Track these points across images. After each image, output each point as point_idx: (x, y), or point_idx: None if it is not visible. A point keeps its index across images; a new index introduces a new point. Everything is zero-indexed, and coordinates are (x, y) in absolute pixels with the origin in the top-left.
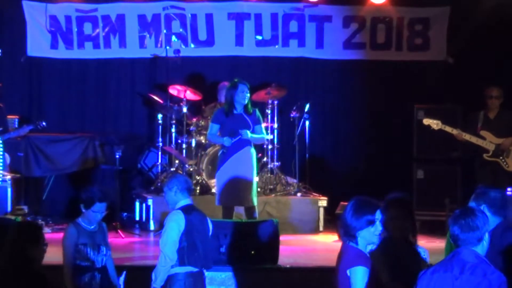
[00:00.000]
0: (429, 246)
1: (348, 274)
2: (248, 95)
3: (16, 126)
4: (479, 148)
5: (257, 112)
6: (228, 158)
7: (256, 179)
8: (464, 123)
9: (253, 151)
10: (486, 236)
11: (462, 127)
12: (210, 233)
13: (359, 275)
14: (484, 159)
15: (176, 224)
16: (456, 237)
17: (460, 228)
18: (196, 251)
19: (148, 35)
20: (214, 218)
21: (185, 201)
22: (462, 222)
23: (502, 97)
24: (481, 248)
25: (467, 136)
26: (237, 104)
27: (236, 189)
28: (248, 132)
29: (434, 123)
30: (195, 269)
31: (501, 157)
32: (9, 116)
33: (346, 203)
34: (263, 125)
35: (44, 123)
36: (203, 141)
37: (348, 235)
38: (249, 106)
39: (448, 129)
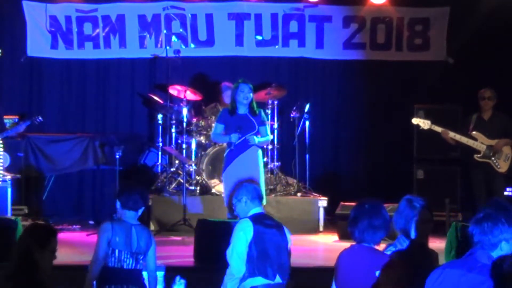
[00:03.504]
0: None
1: (377, 275)
2: (250, 95)
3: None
4: (470, 149)
5: (262, 113)
6: (234, 158)
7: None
8: (460, 124)
9: (259, 151)
10: (503, 244)
11: (457, 128)
12: (289, 243)
13: None
14: (475, 159)
15: (242, 233)
16: (471, 237)
17: (477, 229)
18: (267, 261)
19: (148, 35)
20: (214, 219)
21: (255, 209)
22: (480, 225)
23: (496, 98)
24: (496, 254)
25: (457, 137)
26: (239, 104)
27: None
28: (255, 138)
29: (423, 123)
30: (269, 281)
31: (493, 158)
32: (9, 116)
33: (346, 203)
34: (268, 124)
35: (40, 118)
36: (203, 141)
37: (377, 236)
38: (255, 107)
39: (437, 129)
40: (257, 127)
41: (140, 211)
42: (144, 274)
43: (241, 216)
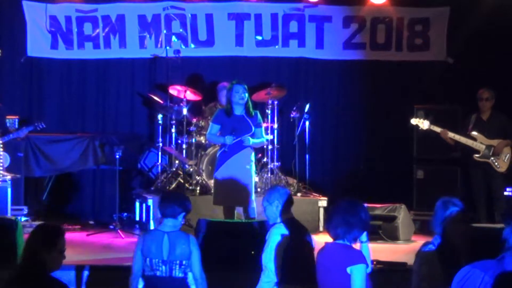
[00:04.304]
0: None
1: (349, 272)
2: (245, 95)
3: (16, 126)
4: (469, 149)
5: (259, 115)
6: (227, 159)
7: (256, 179)
8: (460, 124)
9: (252, 153)
10: None
11: (457, 128)
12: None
13: (362, 272)
14: (474, 159)
15: (280, 238)
16: (504, 241)
17: (510, 234)
18: (299, 268)
19: (148, 35)
20: (214, 219)
21: (286, 214)
22: None
23: (494, 98)
24: None
25: (456, 137)
26: (235, 105)
27: (234, 190)
28: (250, 139)
29: (422, 123)
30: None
31: (492, 158)
32: (9, 116)
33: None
34: (263, 126)
35: (43, 125)
36: (203, 141)
37: (351, 234)
38: (251, 108)
39: (436, 129)
40: (253, 128)
41: (180, 218)
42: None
43: (271, 220)
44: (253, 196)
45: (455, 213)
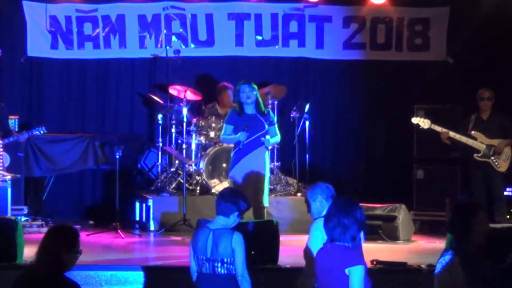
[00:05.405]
0: (429, 246)
1: (347, 273)
2: (253, 94)
3: (16, 126)
4: (470, 148)
5: (271, 113)
6: (241, 158)
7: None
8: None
9: (266, 152)
10: None
11: (457, 128)
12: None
13: (360, 274)
14: (475, 159)
15: (319, 233)
16: None
17: None
18: None
19: (148, 35)
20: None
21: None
22: None
23: (494, 98)
24: None
25: (457, 136)
26: (245, 105)
27: (248, 189)
28: (270, 140)
29: (423, 122)
30: None
31: (492, 158)
32: (9, 116)
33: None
34: (276, 125)
35: (44, 130)
36: (203, 141)
37: (347, 235)
38: (262, 106)
39: (437, 128)
40: (266, 126)
41: (232, 217)
42: None
43: (315, 215)
44: (267, 196)
45: (481, 214)
